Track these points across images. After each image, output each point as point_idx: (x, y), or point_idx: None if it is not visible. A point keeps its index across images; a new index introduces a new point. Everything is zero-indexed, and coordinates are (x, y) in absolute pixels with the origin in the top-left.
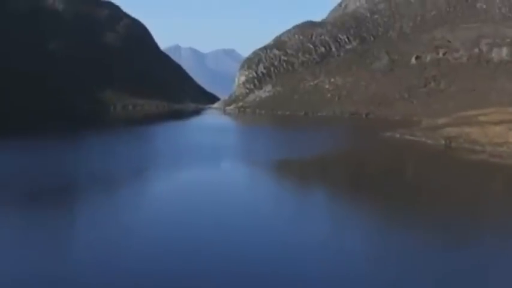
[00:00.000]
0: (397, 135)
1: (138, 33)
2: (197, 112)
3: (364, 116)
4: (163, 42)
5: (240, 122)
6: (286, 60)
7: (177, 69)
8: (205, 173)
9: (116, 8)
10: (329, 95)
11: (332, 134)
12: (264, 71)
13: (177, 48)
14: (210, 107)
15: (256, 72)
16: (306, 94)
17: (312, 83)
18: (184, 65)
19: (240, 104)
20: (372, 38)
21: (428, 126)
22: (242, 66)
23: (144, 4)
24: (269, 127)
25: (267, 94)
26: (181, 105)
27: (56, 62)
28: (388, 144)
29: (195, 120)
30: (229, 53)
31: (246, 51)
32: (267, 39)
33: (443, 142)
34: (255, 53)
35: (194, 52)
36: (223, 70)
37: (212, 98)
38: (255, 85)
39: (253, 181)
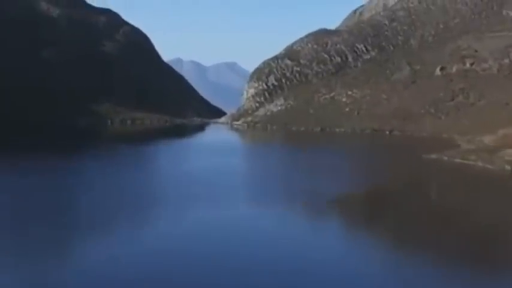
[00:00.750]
0: (445, 158)
1: (139, 42)
2: (202, 127)
3: (388, 132)
4: (165, 55)
5: (250, 140)
6: (299, 71)
7: (180, 80)
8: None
9: (115, 15)
10: (347, 109)
11: (363, 155)
12: (276, 83)
13: (178, 61)
14: (216, 122)
15: (266, 84)
16: (321, 108)
17: (327, 96)
18: (186, 78)
19: (249, 118)
20: (392, 47)
21: (480, 148)
22: (251, 78)
23: (146, 16)
24: (285, 146)
25: (279, 108)
26: (185, 119)
27: (50, 72)
28: (440, 170)
29: (201, 137)
30: (231, 66)
31: (247, 64)
32: (270, 51)
33: (510, 168)
34: (265, 64)
35: (196, 65)
36: (225, 83)
37: (217, 112)
38: (265, 98)
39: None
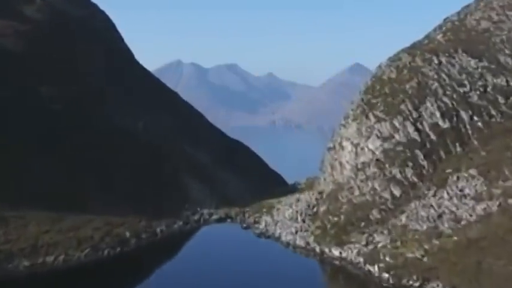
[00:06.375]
0: None
1: (82, 19)
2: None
3: None
4: (164, 57)
5: None
6: (507, 87)
7: (173, 107)
8: None
9: None
10: None
11: None
12: (444, 123)
13: (178, 63)
14: (270, 235)
15: (414, 124)
16: None
17: None
18: (187, 81)
19: (386, 232)
20: None
21: None
22: (365, 94)
23: (144, 18)
24: None
25: (487, 207)
26: (178, 223)
27: None
28: None
29: None
30: (232, 68)
31: (248, 66)
32: (271, 51)
33: None
34: (402, 63)
35: (196, 67)
36: (227, 85)
37: (263, 177)
38: (418, 172)
39: None
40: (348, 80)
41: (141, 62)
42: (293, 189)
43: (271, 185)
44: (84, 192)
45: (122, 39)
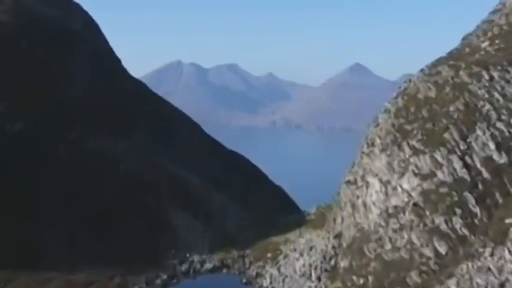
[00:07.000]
0: None
1: (58, 23)
2: None
3: None
4: (164, 57)
5: None
6: None
7: (161, 114)
8: None
9: None
10: None
11: None
12: (504, 159)
13: (178, 63)
14: None
15: (462, 155)
16: None
17: None
18: (187, 81)
19: None
20: None
21: None
22: (396, 118)
23: (143, 18)
24: None
25: None
26: (161, 271)
27: None
28: None
29: None
30: (232, 68)
31: (248, 66)
32: (271, 51)
33: None
34: (446, 72)
35: (196, 67)
36: (227, 85)
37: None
38: None
39: None
40: (348, 80)
41: (140, 62)
42: (301, 220)
43: (274, 206)
44: (43, 240)
45: (107, 42)
